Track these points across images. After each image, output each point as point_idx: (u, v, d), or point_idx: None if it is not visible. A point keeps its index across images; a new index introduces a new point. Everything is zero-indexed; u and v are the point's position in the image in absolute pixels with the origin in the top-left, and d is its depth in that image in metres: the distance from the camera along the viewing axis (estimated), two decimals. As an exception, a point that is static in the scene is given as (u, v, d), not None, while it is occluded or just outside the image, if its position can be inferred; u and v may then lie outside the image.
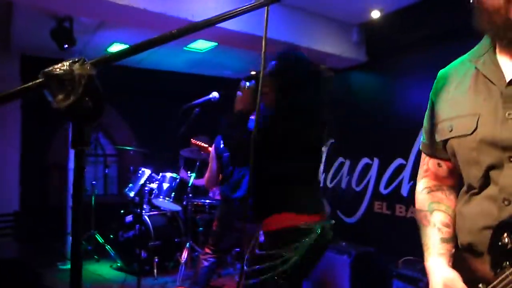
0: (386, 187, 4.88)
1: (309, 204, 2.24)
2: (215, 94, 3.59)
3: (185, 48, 5.83)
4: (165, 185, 5.14)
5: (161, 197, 5.09)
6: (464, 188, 1.30)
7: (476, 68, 1.24)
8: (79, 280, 0.74)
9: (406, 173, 4.61)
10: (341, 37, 5.06)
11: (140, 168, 5.48)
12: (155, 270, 5.01)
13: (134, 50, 0.85)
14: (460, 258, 1.27)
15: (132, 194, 5.35)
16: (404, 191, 4.63)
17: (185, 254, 4.76)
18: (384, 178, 4.91)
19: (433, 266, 1.28)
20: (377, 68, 5.27)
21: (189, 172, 5.06)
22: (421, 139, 1.48)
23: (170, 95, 6.38)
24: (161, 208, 5.52)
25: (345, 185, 5.49)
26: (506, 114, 1.12)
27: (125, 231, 5.32)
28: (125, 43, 5.59)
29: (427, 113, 1.42)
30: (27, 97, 0.75)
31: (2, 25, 4.82)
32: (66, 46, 4.67)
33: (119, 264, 5.33)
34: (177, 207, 5.30)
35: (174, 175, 5.18)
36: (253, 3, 0.97)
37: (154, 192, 5.23)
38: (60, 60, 0.72)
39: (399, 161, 4.71)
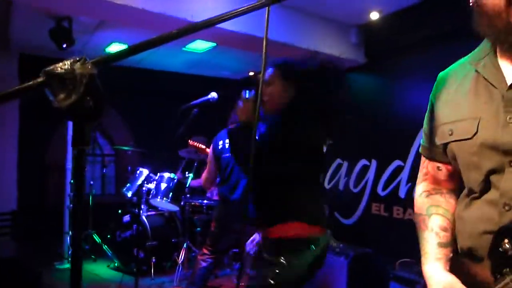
0: (384, 189, 4.89)
1: (315, 215, 2.20)
2: (213, 94, 3.59)
3: (183, 49, 5.83)
4: (163, 185, 5.13)
5: (159, 197, 5.08)
6: (465, 192, 1.29)
7: (476, 71, 1.23)
8: (79, 281, 0.73)
9: (404, 174, 4.62)
10: (340, 39, 5.07)
11: (138, 168, 5.46)
12: (153, 270, 4.99)
13: (134, 50, 0.84)
14: (459, 263, 1.25)
15: (129, 194, 5.34)
16: (402, 193, 4.63)
17: (182, 255, 4.75)
18: (382, 179, 4.92)
19: (430, 271, 1.27)
20: (376, 69, 5.27)
21: (187, 173, 5.06)
22: (421, 142, 1.47)
23: (169, 95, 6.38)
24: (159, 208, 5.51)
25: (343, 187, 5.50)
26: (507, 118, 1.11)
27: (122, 231, 5.31)
28: (124, 43, 5.59)
29: (427, 115, 1.41)
30: (26, 96, 0.75)
31: (1, 24, 4.81)
32: (65, 45, 4.67)
33: (116, 264, 5.32)
34: (174, 208, 5.30)
35: (172, 175, 5.18)
36: (253, 3, 0.97)
37: (151, 192, 5.22)
38: (59, 60, 0.72)
39: (397, 162, 4.72)
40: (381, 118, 4.94)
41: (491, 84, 1.17)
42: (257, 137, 2.24)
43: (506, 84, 1.14)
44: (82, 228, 0.83)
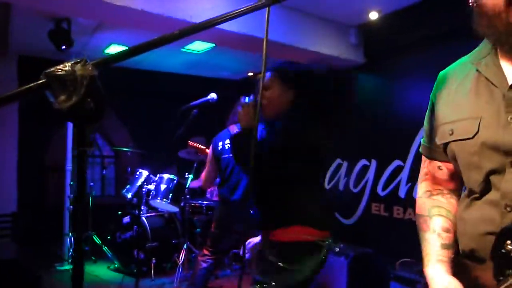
0: (384, 189, 4.89)
1: (323, 219, 2.18)
2: (213, 95, 3.58)
3: (182, 50, 5.83)
4: (163, 186, 5.12)
5: (159, 198, 5.08)
6: (466, 192, 1.27)
7: (477, 70, 1.22)
8: (81, 281, 0.73)
9: (404, 174, 4.61)
10: (339, 39, 5.07)
11: (137, 169, 5.46)
12: (153, 271, 4.98)
13: (134, 51, 0.84)
14: (461, 264, 1.24)
15: (129, 195, 5.33)
16: (402, 193, 4.63)
17: (182, 256, 4.75)
18: (381, 179, 4.91)
19: (432, 273, 1.25)
20: (375, 69, 5.27)
21: (186, 174, 5.06)
22: (421, 141, 1.45)
23: (168, 96, 6.39)
24: (159, 209, 5.51)
25: (342, 187, 5.49)
26: (509, 118, 1.10)
27: (122, 232, 5.30)
28: (123, 45, 5.58)
29: (427, 114, 1.40)
30: (26, 98, 0.74)
31: (0, 26, 4.81)
32: (64, 47, 4.66)
33: (116, 265, 5.32)
34: (174, 208, 5.29)
35: (172, 176, 5.17)
36: (253, 3, 0.96)
37: (151, 193, 5.21)
38: (58, 62, 0.72)
39: (397, 162, 4.72)
40: (380, 118, 4.94)
41: (492, 83, 1.16)
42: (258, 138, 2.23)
43: (508, 83, 1.13)
44: (82, 229, 0.83)
